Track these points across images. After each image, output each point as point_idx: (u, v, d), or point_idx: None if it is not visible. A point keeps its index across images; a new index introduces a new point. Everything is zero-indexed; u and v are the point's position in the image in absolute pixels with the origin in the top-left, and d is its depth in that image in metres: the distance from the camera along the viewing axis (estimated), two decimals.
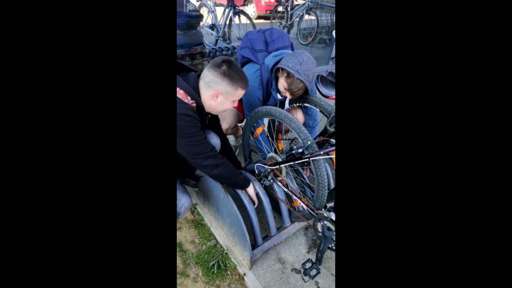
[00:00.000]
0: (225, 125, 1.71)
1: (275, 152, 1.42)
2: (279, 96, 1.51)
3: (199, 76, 1.18)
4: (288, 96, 1.42)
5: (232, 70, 1.10)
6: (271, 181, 1.42)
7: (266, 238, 1.44)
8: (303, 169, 1.58)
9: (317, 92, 1.57)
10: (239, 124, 1.98)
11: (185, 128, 1.09)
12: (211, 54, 3.05)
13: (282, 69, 1.34)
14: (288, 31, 5.08)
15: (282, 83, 1.38)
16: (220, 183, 1.30)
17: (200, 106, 1.17)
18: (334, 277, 1.32)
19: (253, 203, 1.36)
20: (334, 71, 1.16)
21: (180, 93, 1.12)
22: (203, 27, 4.00)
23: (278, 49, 1.52)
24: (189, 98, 1.14)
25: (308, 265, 1.32)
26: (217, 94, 1.13)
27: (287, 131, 1.70)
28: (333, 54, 3.45)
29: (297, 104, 1.50)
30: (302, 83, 1.32)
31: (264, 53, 1.52)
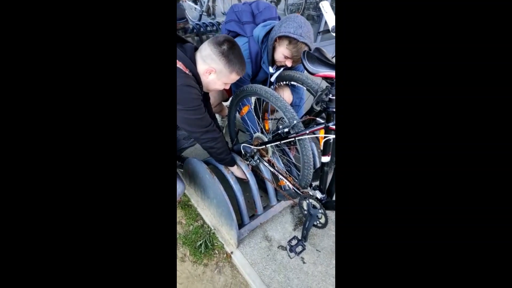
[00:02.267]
0: None
1: (262, 132, 1.41)
2: (271, 70, 1.46)
3: (195, 48, 1.14)
4: (289, 64, 1.38)
5: (232, 52, 1.07)
6: (258, 161, 1.42)
7: (252, 217, 1.46)
8: (289, 148, 1.58)
9: (304, 70, 1.52)
10: (224, 104, 1.95)
11: (189, 101, 1.05)
12: (194, 30, 2.94)
13: (281, 37, 1.30)
14: (276, 6, 4.95)
15: (283, 52, 1.33)
16: (210, 154, 1.29)
17: (197, 79, 1.13)
18: (319, 253, 1.35)
19: (244, 180, 1.37)
20: (321, 47, 1.11)
21: (179, 64, 1.07)
22: (185, 1, 3.81)
23: (266, 21, 1.47)
24: (187, 70, 1.09)
25: (294, 242, 1.35)
26: (210, 71, 1.10)
27: (274, 110, 1.68)
28: (321, 28, 3.37)
29: (284, 83, 1.47)
30: (307, 46, 1.28)
31: (251, 25, 1.46)
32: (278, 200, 1.54)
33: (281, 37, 1.31)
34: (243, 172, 1.40)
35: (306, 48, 1.28)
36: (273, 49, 1.37)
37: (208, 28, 3.00)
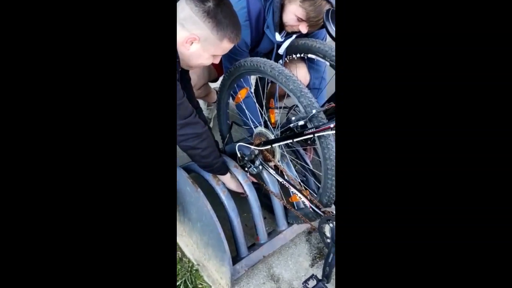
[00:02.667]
0: None
1: (266, 126, 1.35)
2: (278, 37, 1.38)
3: None
4: (303, 30, 1.31)
5: (222, 10, 1.03)
6: (260, 167, 1.32)
7: (252, 247, 1.36)
8: (305, 150, 1.52)
9: (327, 37, 1.47)
10: (212, 86, 1.91)
11: None
12: None
13: None
14: None
15: (295, 12, 1.27)
16: (191, 158, 1.23)
17: None
18: None
19: (241, 194, 1.35)
20: None
21: None
22: None
23: None
24: None
25: (312, 283, 1.19)
26: (192, 40, 1.05)
27: (283, 95, 1.55)
28: None
29: (298, 56, 1.37)
30: (328, 4, 1.22)
31: None
32: (289, 224, 1.45)
33: None
34: (239, 183, 1.33)
35: (329, 7, 1.23)
36: (282, 8, 1.32)
37: None
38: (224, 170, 1.28)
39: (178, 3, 1.05)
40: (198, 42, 1.04)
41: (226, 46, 1.08)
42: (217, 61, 1.15)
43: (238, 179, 1.32)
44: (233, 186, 1.32)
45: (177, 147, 1.14)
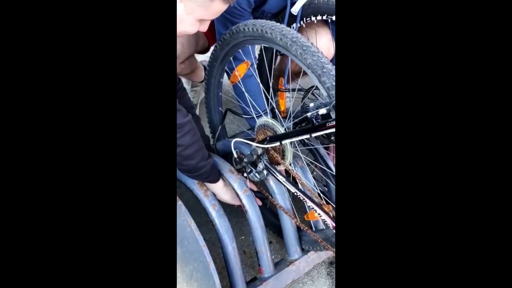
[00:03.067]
0: None
1: (273, 115, 1.33)
2: None
3: None
4: None
5: None
6: (264, 172, 1.24)
7: (253, 282, 1.27)
8: (327, 148, 1.42)
9: None
10: (199, 59, 1.93)
11: None
12: None
13: None
14: None
15: None
16: (179, 167, 1.21)
17: None
18: None
19: (237, 207, 1.33)
20: None
21: None
22: None
23: None
24: None
25: None
26: None
27: (298, 73, 1.53)
28: None
29: (319, 18, 1.35)
30: None
31: None
32: (304, 251, 1.36)
33: None
34: (235, 194, 1.26)
35: None
36: None
37: None
38: (214, 177, 1.21)
39: None
40: (180, 1, 1.01)
41: (217, 7, 1.05)
42: (204, 28, 1.12)
43: (233, 188, 1.24)
44: (227, 198, 1.25)
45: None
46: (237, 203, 1.27)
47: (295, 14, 1.37)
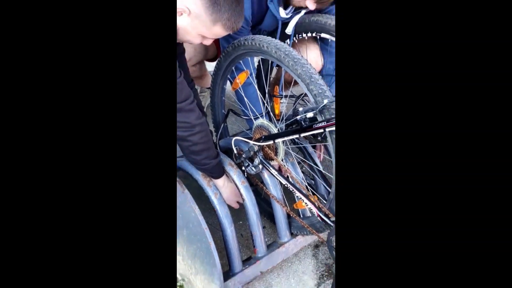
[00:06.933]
0: None
1: (269, 118, 1.37)
2: (283, 13, 1.39)
3: None
4: (311, 6, 1.32)
5: None
6: (260, 167, 1.28)
7: (248, 261, 1.33)
8: (314, 147, 1.50)
9: None
10: (208, 68, 1.90)
11: None
12: None
13: None
14: None
15: None
16: (181, 151, 1.22)
17: None
18: None
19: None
20: None
21: None
22: None
23: None
24: None
25: None
26: (182, 12, 1.04)
27: (290, 82, 1.53)
28: None
29: (310, 35, 1.39)
30: None
31: None
32: (293, 235, 1.41)
33: None
34: (237, 191, 1.31)
35: None
36: None
37: None
38: (217, 173, 1.26)
39: None
40: (188, 16, 1.03)
41: (218, 32, 1.08)
42: (207, 43, 1.15)
43: (233, 187, 1.30)
44: (226, 194, 1.29)
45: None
46: (233, 203, 1.32)
47: (289, 33, 1.40)
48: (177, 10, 1.03)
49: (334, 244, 1.19)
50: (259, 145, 1.26)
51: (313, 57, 1.54)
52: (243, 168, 1.30)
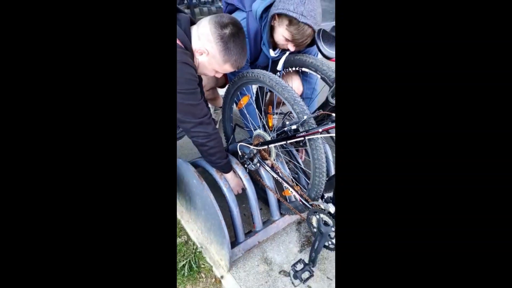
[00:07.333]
0: None
1: (264, 129, 1.43)
2: (272, 53, 1.48)
3: (191, 21, 1.18)
4: (291, 48, 1.41)
5: (234, 40, 1.11)
6: (258, 164, 1.44)
7: (249, 234, 1.47)
8: (297, 150, 1.60)
9: (318, 53, 1.49)
10: (220, 93, 1.96)
11: (185, 81, 1.07)
12: (185, 1, 2.99)
13: (280, 15, 1.32)
14: None
15: (282, 33, 1.37)
16: (200, 153, 1.32)
17: (193, 56, 1.16)
18: (330, 281, 1.37)
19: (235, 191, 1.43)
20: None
21: None
22: None
23: None
24: (182, 45, 1.14)
25: (300, 266, 1.35)
26: (202, 52, 1.14)
27: (280, 102, 1.68)
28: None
29: (294, 69, 1.51)
30: (310, 28, 1.30)
31: None
32: (282, 214, 1.55)
33: (280, 15, 1.33)
34: (241, 182, 1.43)
35: (310, 31, 1.32)
36: (272, 29, 1.41)
37: (202, 0, 3.04)
38: (227, 169, 1.38)
39: (201, 20, 1.15)
40: (206, 55, 1.15)
41: (227, 68, 1.18)
42: (219, 75, 1.25)
43: (240, 178, 1.39)
44: (232, 184, 1.42)
45: (191, 144, 1.25)
46: (239, 188, 1.44)
47: (279, 69, 1.51)
48: (200, 50, 1.14)
49: (312, 222, 1.27)
50: (257, 149, 1.40)
51: (296, 85, 1.66)
52: (246, 165, 1.44)
